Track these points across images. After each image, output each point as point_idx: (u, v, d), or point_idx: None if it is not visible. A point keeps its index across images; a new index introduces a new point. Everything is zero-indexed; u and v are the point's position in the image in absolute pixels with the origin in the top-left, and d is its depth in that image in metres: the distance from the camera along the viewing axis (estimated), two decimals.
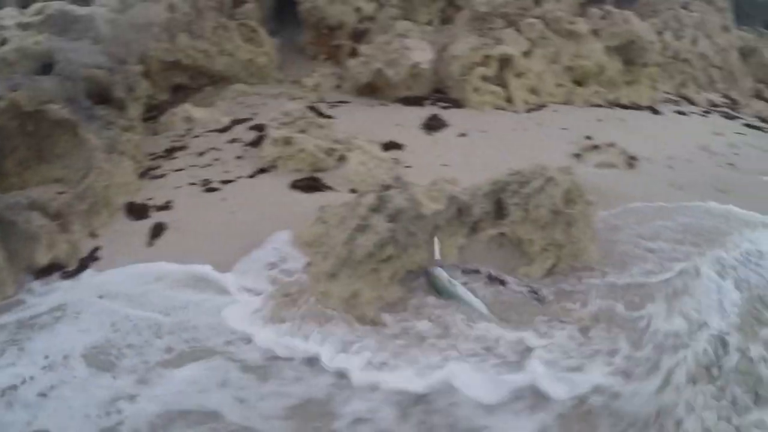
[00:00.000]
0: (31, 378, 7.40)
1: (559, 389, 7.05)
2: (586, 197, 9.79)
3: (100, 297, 8.70)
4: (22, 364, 7.62)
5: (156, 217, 10.57)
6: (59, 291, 8.95)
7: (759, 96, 21.68)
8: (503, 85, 16.52)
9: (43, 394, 7.19)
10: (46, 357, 7.68)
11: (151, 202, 10.92)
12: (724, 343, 7.59)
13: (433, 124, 14.65)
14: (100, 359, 7.69)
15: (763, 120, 18.50)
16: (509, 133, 14.75)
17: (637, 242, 10.17)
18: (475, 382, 7.10)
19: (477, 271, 8.97)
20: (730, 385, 6.92)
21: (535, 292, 8.72)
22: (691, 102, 19.35)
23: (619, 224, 10.62)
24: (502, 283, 8.84)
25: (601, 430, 6.73)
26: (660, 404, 6.87)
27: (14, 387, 7.28)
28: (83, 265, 9.37)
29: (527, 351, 7.58)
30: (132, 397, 7.16)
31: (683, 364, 7.26)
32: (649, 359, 7.48)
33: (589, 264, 9.27)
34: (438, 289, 8.58)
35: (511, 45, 16.58)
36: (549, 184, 9.47)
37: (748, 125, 17.59)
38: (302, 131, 12.16)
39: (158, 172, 12.05)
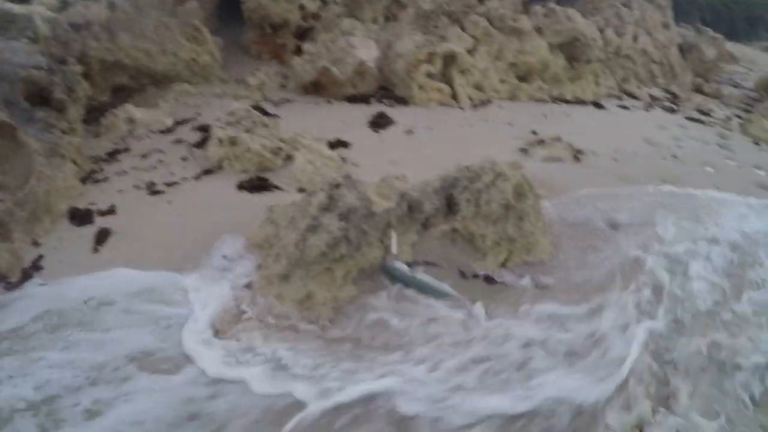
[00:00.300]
0: (68, 389, 6.92)
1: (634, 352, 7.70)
2: (536, 191, 9.93)
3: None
4: (39, 375, 7.08)
5: (100, 222, 10.22)
6: (25, 300, 8.43)
7: (698, 90, 22.35)
8: (448, 82, 16.62)
9: (91, 408, 6.69)
10: (74, 364, 7.22)
11: (94, 207, 10.58)
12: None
13: (380, 122, 14.64)
14: (153, 361, 7.36)
15: (703, 113, 18.99)
16: (456, 129, 14.83)
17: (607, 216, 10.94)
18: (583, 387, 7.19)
19: (476, 276, 9.08)
20: None
21: (534, 282, 9.04)
22: (634, 97, 19.81)
23: (583, 203, 11.30)
24: (500, 282, 9.03)
25: None
26: None
27: (49, 401, 6.75)
28: (26, 274, 9.00)
29: (590, 337, 7.98)
30: (212, 398, 6.88)
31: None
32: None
33: (541, 257, 9.51)
34: (400, 280, 8.66)
35: (456, 42, 16.70)
36: (499, 179, 9.57)
37: (689, 118, 18.08)
38: (248, 131, 11.97)
39: (101, 175, 11.70)
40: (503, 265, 9.27)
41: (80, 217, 10.36)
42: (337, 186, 8.89)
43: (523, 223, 9.42)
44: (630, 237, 10.31)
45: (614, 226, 10.58)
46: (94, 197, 10.89)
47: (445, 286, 8.58)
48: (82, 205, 10.64)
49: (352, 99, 16.04)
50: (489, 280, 9.00)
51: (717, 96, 21.87)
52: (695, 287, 9.19)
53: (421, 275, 8.72)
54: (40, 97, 11.70)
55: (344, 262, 8.33)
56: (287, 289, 8.02)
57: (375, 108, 15.51)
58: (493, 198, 9.41)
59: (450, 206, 9.78)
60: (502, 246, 9.33)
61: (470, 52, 16.99)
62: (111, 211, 10.50)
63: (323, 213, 8.41)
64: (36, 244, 9.65)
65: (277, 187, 11.21)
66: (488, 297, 8.61)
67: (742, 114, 19.59)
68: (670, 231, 10.58)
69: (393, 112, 15.27)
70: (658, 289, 9.06)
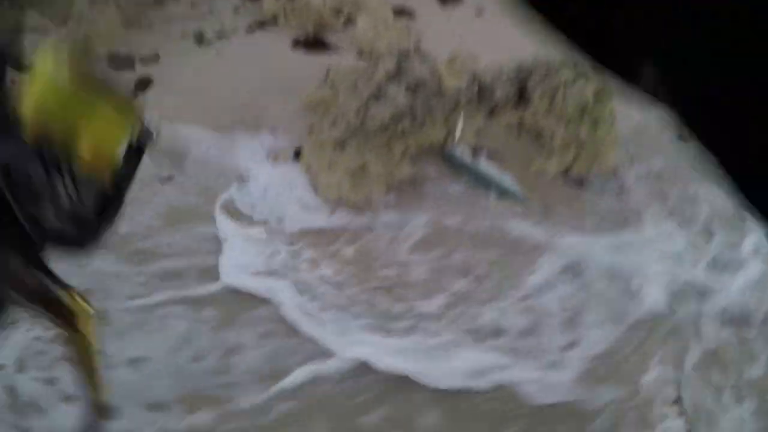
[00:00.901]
0: None
1: None
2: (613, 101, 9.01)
3: None
4: None
5: (142, 70, 9.52)
6: None
7: None
8: None
9: None
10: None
11: (136, 54, 9.83)
12: None
13: None
14: None
15: None
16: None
17: None
18: None
19: (581, 182, 8.25)
20: None
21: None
22: None
23: None
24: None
25: None
26: None
27: None
28: None
29: None
30: None
31: None
32: None
33: (607, 167, 8.59)
34: (459, 168, 7.87)
35: None
36: (580, 79, 8.57)
37: None
38: None
39: (145, 21, 10.88)
40: (568, 170, 8.42)
41: (121, 62, 9.63)
42: (407, 55, 8.01)
43: (597, 130, 8.51)
44: None
45: None
46: (137, 44, 10.11)
47: (509, 180, 7.75)
48: (123, 51, 9.88)
49: None
50: (578, 182, 8.12)
51: None
52: None
53: (488, 168, 7.85)
54: None
55: (405, 138, 7.54)
56: (341, 156, 7.27)
57: None
58: (571, 97, 8.44)
59: (522, 97, 8.84)
60: (570, 148, 8.43)
61: None
62: (154, 59, 9.75)
63: (390, 82, 7.57)
64: None
65: (335, 49, 10.31)
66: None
67: None
68: None
69: None
70: None
